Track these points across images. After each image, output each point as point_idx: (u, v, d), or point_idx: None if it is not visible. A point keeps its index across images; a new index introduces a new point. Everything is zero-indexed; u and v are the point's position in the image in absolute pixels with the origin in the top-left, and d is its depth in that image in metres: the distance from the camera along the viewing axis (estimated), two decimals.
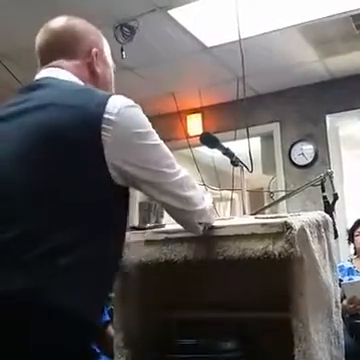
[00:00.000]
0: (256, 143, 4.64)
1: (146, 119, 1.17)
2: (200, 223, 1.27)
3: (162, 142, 1.19)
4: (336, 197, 2.17)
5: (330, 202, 2.14)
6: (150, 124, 1.17)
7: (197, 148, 4.45)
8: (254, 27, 3.27)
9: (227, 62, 3.75)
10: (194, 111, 4.78)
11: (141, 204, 1.64)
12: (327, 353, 1.43)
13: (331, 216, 1.77)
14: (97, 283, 1.09)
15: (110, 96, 1.14)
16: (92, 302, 1.08)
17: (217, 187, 3.85)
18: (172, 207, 1.22)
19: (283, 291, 1.32)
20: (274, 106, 4.52)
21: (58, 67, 1.25)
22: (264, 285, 1.56)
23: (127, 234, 1.45)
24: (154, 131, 1.17)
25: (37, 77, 1.26)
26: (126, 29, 3.13)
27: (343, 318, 1.73)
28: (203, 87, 4.33)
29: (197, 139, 2.02)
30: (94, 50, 1.30)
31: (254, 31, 3.31)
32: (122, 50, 3.22)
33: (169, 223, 1.49)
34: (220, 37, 3.42)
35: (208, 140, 1.98)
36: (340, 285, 2.44)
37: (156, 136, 1.17)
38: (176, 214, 1.26)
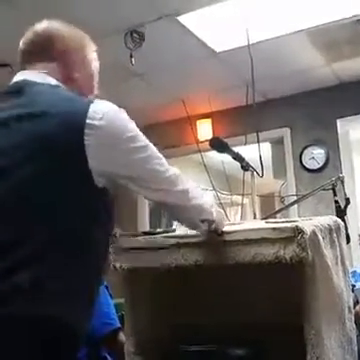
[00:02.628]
0: (266, 148, 4.63)
1: (132, 122, 1.18)
2: (202, 221, 1.25)
3: (150, 143, 1.20)
4: (348, 201, 2.15)
5: (342, 206, 2.13)
6: (136, 127, 1.18)
7: (207, 153, 4.44)
8: (263, 32, 3.27)
9: (236, 67, 3.75)
10: (204, 116, 4.78)
11: (152, 210, 1.64)
12: (340, 359, 1.41)
13: (343, 220, 1.76)
14: (76, 291, 1.09)
15: (92, 102, 1.15)
16: (72, 309, 1.07)
17: (228, 192, 3.85)
18: (168, 204, 1.22)
19: (295, 297, 1.31)
20: (284, 111, 4.51)
21: (35, 69, 1.25)
22: (276, 291, 1.54)
23: (139, 239, 1.46)
24: (141, 133, 1.18)
25: (16, 79, 1.25)
26: (135, 35, 3.15)
27: (356, 324, 1.71)
28: (212, 92, 4.33)
29: (207, 144, 2.02)
30: (70, 55, 1.29)
31: (263, 36, 3.31)
32: (131, 56, 3.23)
33: (180, 228, 1.49)
34: (229, 42, 3.42)
35: (218, 145, 1.97)
36: (353, 290, 2.42)
37: (143, 138, 1.18)
38: (174, 211, 1.26)
